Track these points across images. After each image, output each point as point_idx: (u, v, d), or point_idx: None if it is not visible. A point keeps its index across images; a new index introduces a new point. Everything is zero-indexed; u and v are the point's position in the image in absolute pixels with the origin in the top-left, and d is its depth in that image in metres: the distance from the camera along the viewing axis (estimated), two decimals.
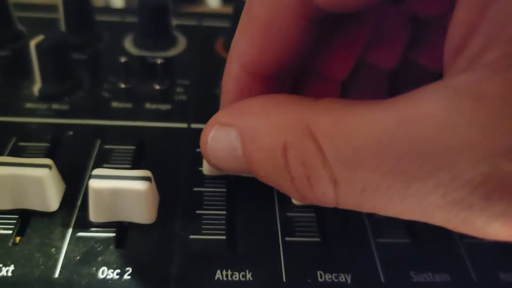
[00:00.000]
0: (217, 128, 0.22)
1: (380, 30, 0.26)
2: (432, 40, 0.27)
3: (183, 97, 0.35)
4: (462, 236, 0.27)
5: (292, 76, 0.25)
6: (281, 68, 0.23)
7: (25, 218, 0.25)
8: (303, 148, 0.18)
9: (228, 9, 0.48)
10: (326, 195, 0.18)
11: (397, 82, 0.27)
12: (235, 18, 0.41)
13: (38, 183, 0.24)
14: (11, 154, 0.29)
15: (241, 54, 0.23)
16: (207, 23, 0.46)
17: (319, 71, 0.26)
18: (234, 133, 0.21)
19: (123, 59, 0.34)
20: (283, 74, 0.24)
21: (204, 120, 0.33)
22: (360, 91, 0.27)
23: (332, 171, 0.17)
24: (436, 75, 0.26)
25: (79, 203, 0.26)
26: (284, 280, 0.24)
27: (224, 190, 0.28)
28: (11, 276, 0.23)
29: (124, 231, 0.25)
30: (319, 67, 0.26)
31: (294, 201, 0.28)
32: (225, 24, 0.45)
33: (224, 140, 0.22)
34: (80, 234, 0.25)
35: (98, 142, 0.30)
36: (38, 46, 0.32)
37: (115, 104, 0.34)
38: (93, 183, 0.24)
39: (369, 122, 0.16)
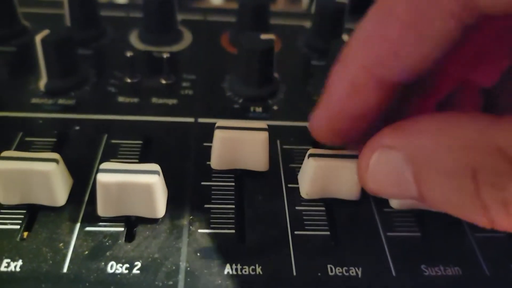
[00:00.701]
0: (380, 151, 0.20)
1: (485, 47, 0.24)
2: None
3: (190, 92, 0.35)
4: (473, 230, 0.27)
5: (404, 88, 0.23)
6: (410, 77, 0.21)
7: (33, 213, 0.25)
8: (498, 171, 0.16)
9: (234, 4, 0.48)
10: None
11: (492, 95, 0.25)
12: (240, 13, 0.41)
13: (45, 177, 0.24)
14: (18, 149, 0.29)
15: (370, 53, 0.20)
16: (212, 18, 0.45)
17: (424, 88, 0.24)
18: (402, 156, 0.19)
19: (129, 54, 0.34)
20: (405, 83, 0.21)
21: (211, 114, 0.33)
22: (455, 109, 0.26)
23: None
24: None
25: (86, 197, 0.26)
26: (294, 274, 0.24)
27: (232, 184, 0.28)
28: (19, 271, 0.23)
29: (133, 225, 0.25)
30: (427, 83, 0.24)
31: (303, 195, 0.27)
32: (231, 19, 0.45)
33: (389, 164, 0.20)
34: (88, 228, 0.25)
35: (105, 136, 0.30)
36: (44, 41, 0.32)
37: (121, 99, 0.34)
38: (101, 177, 0.23)
39: None
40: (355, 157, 0.25)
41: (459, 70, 0.24)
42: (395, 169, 0.20)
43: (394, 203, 0.27)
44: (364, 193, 0.27)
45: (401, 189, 0.20)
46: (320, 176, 0.26)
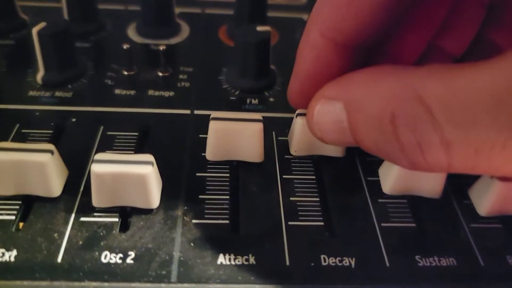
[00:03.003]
0: (322, 102, 0.22)
1: (454, 15, 0.26)
2: (508, 19, 0.26)
3: (186, 84, 0.35)
4: (469, 221, 0.27)
5: (365, 51, 0.25)
6: (361, 39, 0.23)
7: (28, 204, 0.25)
8: (412, 114, 0.18)
9: None
10: (437, 159, 0.18)
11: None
12: (238, 6, 0.41)
13: (41, 168, 0.24)
14: (14, 141, 0.29)
15: (323, 19, 0.23)
16: (210, 10, 0.45)
17: (389, 53, 0.26)
18: (340, 106, 0.21)
19: (125, 46, 0.34)
20: (360, 45, 0.24)
21: (208, 106, 0.33)
22: None
23: (443, 134, 0.17)
24: None
25: (82, 188, 0.26)
26: (288, 263, 0.24)
27: (227, 175, 0.28)
28: (14, 261, 0.23)
29: (127, 216, 0.25)
30: (390, 48, 0.26)
31: (292, 152, 0.29)
32: (228, 11, 0.45)
33: (329, 114, 0.22)
34: (83, 219, 0.25)
35: (101, 128, 0.30)
36: (40, 33, 0.32)
37: (118, 91, 0.34)
38: (96, 168, 0.23)
39: (480, 79, 0.16)
40: None
41: (425, 36, 0.26)
42: (335, 118, 0.22)
43: (386, 188, 0.28)
44: (348, 150, 0.29)
45: (342, 136, 0.22)
46: (306, 133, 0.27)
